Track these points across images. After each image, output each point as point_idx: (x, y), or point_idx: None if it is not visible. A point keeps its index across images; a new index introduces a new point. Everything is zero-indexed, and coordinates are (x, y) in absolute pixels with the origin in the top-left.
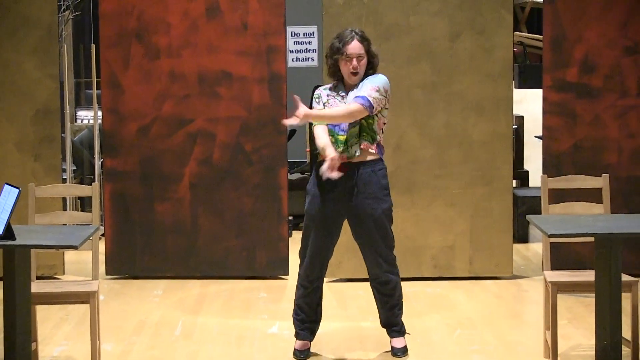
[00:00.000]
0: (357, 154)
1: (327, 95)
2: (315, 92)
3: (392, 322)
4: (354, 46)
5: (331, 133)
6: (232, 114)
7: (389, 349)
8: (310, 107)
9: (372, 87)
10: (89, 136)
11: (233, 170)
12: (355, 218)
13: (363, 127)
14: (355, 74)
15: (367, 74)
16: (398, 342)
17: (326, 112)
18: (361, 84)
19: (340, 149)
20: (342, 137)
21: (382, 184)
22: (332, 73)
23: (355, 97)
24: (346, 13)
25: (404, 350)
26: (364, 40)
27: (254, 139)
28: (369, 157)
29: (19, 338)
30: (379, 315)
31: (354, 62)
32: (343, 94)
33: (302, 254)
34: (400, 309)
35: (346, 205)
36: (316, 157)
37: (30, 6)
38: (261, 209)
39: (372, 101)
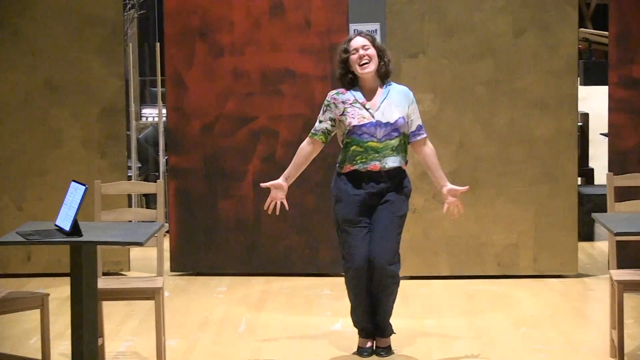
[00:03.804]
0: (387, 167)
1: (343, 103)
2: (327, 100)
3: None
4: (358, 40)
5: (356, 142)
6: (295, 112)
7: (452, 346)
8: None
9: (418, 113)
10: (154, 134)
11: None
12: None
13: (401, 145)
14: (365, 64)
15: (383, 76)
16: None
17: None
18: (410, 108)
19: (371, 157)
20: (373, 144)
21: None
22: (343, 79)
23: (419, 131)
24: (409, 10)
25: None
26: (368, 36)
27: None
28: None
29: (85, 333)
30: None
31: (361, 51)
32: (362, 100)
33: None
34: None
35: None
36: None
37: (95, 5)
38: (324, 206)
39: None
